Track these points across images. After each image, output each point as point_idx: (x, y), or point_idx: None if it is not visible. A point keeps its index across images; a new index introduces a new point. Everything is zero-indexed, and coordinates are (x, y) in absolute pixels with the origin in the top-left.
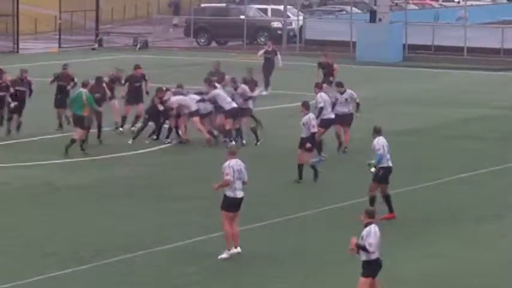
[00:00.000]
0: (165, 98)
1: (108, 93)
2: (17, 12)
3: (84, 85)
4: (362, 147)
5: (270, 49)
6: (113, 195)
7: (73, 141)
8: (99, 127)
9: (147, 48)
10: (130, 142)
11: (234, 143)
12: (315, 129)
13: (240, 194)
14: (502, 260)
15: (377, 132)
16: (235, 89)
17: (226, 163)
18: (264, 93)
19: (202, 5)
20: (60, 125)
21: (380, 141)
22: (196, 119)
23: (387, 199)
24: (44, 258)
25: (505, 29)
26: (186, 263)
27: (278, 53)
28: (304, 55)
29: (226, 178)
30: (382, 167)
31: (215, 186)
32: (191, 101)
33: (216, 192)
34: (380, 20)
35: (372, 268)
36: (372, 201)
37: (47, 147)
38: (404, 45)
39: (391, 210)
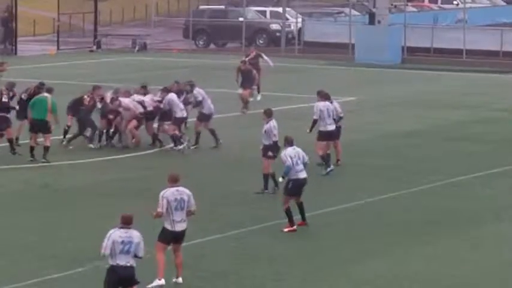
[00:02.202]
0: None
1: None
2: (15, 14)
3: (49, 90)
4: (364, 150)
5: (253, 55)
6: (110, 198)
7: (47, 148)
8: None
9: (145, 50)
10: (93, 146)
11: (183, 146)
12: (276, 138)
13: (179, 227)
14: (501, 261)
15: (288, 143)
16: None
17: (162, 193)
18: (258, 98)
19: (201, 7)
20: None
21: (287, 153)
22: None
23: (299, 207)
24: (41, 261)
25: (504, 31)
26: (183, 265)
27: (263, 54)
28: (303, 57)
29: (157, 210)
30: (291, 179)
31: (153, 214)
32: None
33: (212, 197)
34: (379, 22)
35: (107, 278)
36: (288, 213)
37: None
38: (403, 47)
39: (303, 218)
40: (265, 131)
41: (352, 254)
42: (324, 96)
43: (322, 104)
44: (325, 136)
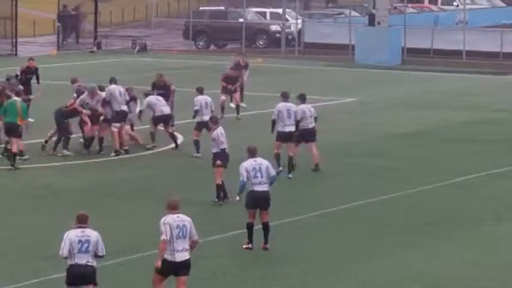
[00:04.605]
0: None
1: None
2: (16, 15)
3: (18, 94)
4: (364, 151)
5: (243, 64)
6: (111, 198)
7: (12, 153)
8: None
9: (145, 51)
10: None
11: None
12: (224, 145)
13: (180, 257)
14: (501, 262)
15: (250, 153)
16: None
17: (162, 220)
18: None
19: (201, 8)
20: None
21: (245, 165)
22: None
23: (263, 227)
24: (42, 261)
25: (504, 33)
26: None
27: (249, 69)
28: (303, 58)
29: (161, 239)
30: (249, 191)
31: (157, 264)
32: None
33: (211, 197)
34: (379, 23)
35: (66, 277)
36: (249, 227)
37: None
38: (403, 48)
39: (265, 241)
40: (212, 139)
41: (352, 254)
42: (285, 96)
43: (282, 105)
44: (281, 137)
